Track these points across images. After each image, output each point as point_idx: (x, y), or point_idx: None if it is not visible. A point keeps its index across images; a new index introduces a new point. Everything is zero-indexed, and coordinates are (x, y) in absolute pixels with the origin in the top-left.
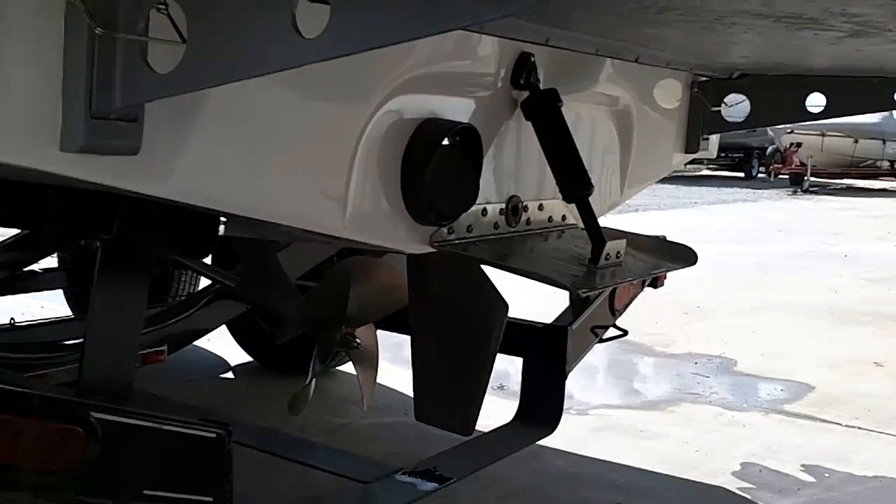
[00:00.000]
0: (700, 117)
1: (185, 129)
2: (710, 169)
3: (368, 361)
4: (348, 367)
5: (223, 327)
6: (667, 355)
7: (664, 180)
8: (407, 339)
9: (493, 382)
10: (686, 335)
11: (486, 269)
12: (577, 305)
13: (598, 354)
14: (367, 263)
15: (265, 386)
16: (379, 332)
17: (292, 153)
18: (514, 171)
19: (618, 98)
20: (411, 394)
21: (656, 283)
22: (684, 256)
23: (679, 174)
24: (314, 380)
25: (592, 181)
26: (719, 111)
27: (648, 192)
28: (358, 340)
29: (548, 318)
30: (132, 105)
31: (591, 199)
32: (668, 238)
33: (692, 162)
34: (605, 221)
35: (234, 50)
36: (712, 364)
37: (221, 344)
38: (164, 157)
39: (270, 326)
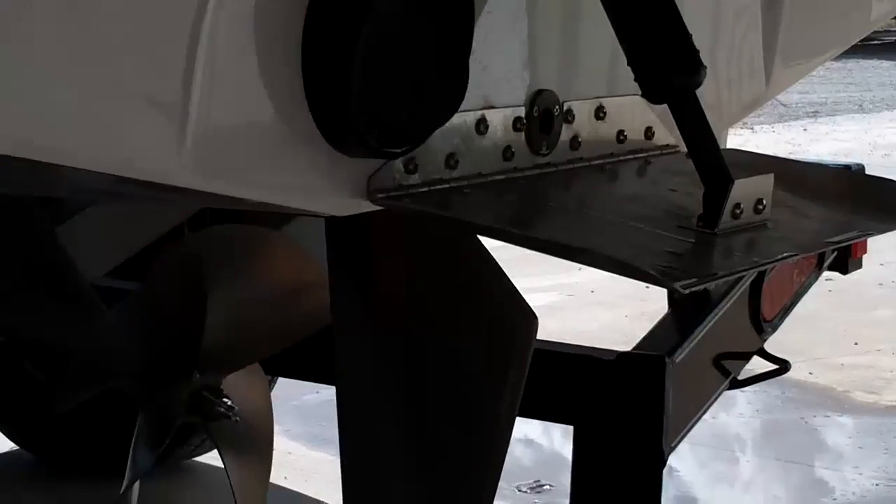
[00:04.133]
0: None
1: None
2: None
3: (251, 443)
4: (214, 457)
5: None
6: (877, 410)
7: (854, 53)
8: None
9: (523, 478)
10: None
11: (490, 243)
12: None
13: (735, 408)
14: (244, 242)
15: (41, 497)
16: (280, 381)
17: (69, 18)
18: (539, 42)
19: None
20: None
21: (847, 262)
22: None
23: (886, 38)
24: (137, 483)
25: (704, 59)
26: None
27: (824, 78)
28: (228, 401)
29: (625, 341)
30: None
31: (700, 93)
32: (866, 170)
33: None
34: (733, 141)
35: None
36: None
37: None
38: None
39: (50, 379)
